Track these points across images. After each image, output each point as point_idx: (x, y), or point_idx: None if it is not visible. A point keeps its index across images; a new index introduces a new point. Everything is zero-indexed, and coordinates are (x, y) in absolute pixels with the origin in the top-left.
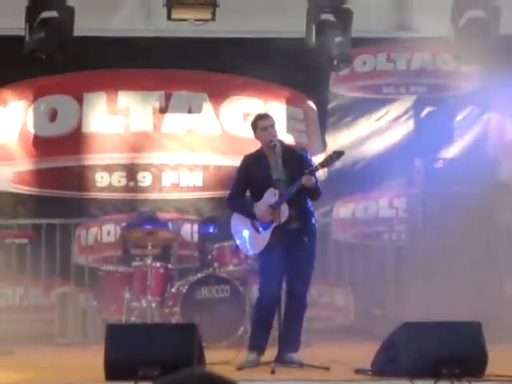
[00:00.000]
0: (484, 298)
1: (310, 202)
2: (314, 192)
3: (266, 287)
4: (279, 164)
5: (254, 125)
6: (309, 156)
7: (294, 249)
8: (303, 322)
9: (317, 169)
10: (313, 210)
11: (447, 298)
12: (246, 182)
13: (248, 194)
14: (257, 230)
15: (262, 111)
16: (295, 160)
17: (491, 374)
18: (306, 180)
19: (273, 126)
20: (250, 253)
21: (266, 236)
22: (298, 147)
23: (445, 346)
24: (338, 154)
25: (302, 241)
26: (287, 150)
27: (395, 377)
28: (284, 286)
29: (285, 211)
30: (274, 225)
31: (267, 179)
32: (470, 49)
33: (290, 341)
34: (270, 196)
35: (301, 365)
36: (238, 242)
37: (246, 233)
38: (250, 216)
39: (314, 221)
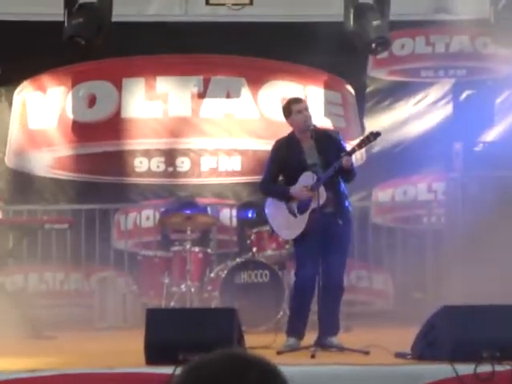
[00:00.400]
0: None
1: (343, 185)
2: (349, 174)
3: (302, 272)
4: (313, 147)
5: (288, 109)
6: (341, 138)
7: (330, 232)
8: (341, 306)
9: (354, 150)
10: (347, 193)
11: (487, 281)
12: (279, 167)
13: (281, 179)
14: (293, 214)
15: (300, 95)
16: (329, 143)
17: None
18: (345, 161)
19: (307, 109)
20: (288, 238)
21: (303, 220)
22: (330, 130)
23: (485, 329)
24: (375, 135)
25: (337, 224)
26: (320, 133)
27: (435, 360)
28: (320, 269)
29: (323, 194)
30: (311, 208)
31: (302, 164)
32: (509, 31)
33: (329, 325)
34: (307, 179)
35: (341, 349)
36: (274, 227)
37: (282, 218)
38: (286, 198)
39: (347, 204)
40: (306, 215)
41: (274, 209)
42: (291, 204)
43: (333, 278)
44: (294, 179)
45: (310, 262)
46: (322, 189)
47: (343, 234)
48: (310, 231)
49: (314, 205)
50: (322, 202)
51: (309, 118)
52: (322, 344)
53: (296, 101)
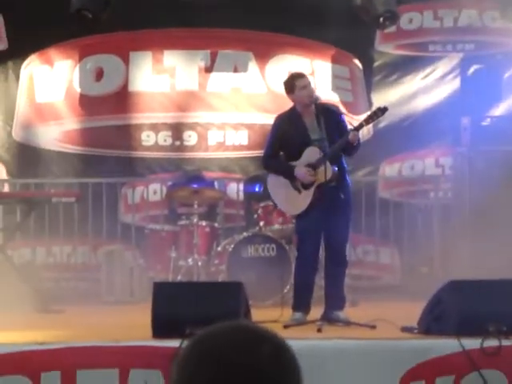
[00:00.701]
0: None
1: (344, 159)
2: (353, 148)
3: (303, 246)
4: (315, 123)
5: (291, 84)
6: (341, 112)
7: (332, 206)
8: (348, 280)
9: (362, 125)
10: (347, 167)
11: (494, 256)
12: (281, 143)
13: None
14: (298, 190)
15: (308, 70)
16: (330, 118)
17: None
18: (351, 136)
19: (310, 83)
20: (292, 213)
21: (308, 195)
22: (330, 104)
23: (491, 303)
24: (383, 110)
25: (339, 198)
26: (322, 108)
27: (441, 335)
28: (324, 244)
29: (328, 170)
30: (316, 184)
31: (305, 139)
32: None
33: (334, 299)
34: (313, 154)
35: (347, 323)
36: (278, 203)
37: (286, 193)
38: (290, 177)
39: (347, 178)
40: (311, 191)
41: (277, 184)
42: (295, 180)
43: (336, 251)
44: (298, 154)
45: (312, 236)
46: (328, 165)
47: (346, 208)
48: (313, 207)
49: (319, 180)
50: (328, 177)
51: (313, 92)
52: (328, 318)
53: (299, 75)
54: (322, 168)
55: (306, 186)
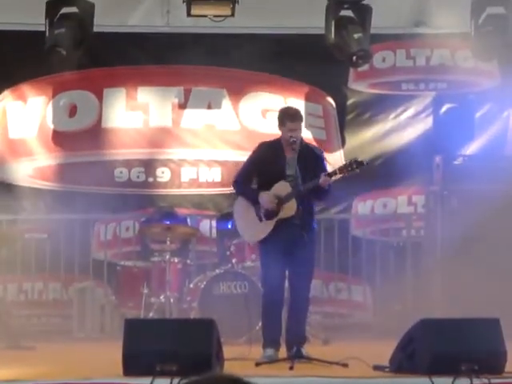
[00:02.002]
0: (503, 294)
1: (314, 204)
2: (323, 193)
3: (269, 280)
4: (295, 160)
5: (282, 120)
6: (324, 158)
7: (295, 245)
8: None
9: (335, 173)
10: (315, 212)
11: (466, 294)
12: (257, 169)
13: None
14: (260, 219)
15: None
16: (311, 160)
17: (511, 370)
18: (323, 181)
19: (299, 129)
20: (249, 240)
21: (268, 226)
22: (315, 147)
23: (463, 342)
24: (358, 164)
25: (303, 238)
26: (305, 147)
27: (413, 374)
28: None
29: (293, 207)
30: (278, 217)
31: (280, 172)
32: (490, 45)
33: (297, 336)
34: (282, 188)
35: (314, 360)
36: (238, 226)
37: (248, 219)
38: (255, 202)
39: (315, 223)
40: (272, 223)
41: (241, 208)
42: (259, 208)
43: (297, 290)
44: (269, 185)
45: (276, 272)
46: (293, 201)
47: (308, 249)
48: (275, 240)
49: (281, 215)
50: (289, 215)
51: (297, 138)
52: (291, 354)
53: (292, 118)
54: (287, 204)
55: (268, 217)
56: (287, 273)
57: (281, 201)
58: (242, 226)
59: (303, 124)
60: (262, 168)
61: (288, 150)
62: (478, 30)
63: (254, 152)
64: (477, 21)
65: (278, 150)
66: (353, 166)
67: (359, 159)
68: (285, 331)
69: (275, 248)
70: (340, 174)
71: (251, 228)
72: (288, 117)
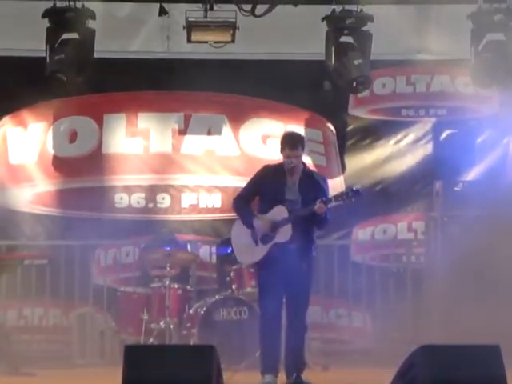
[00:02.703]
0: (503, 321)
1: (314, 231)
2: (321, 221)
3: (265, 305)
4: (296, 185)
5: (282, 147)
6: (326, 186)
7: (292, 271)
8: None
9: (331, 201)
10: (315, 240)
11: (466, 321)
12: (258, 191)
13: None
14: (255, 242)
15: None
16: (312, 186)
17: None
18: (318, 208)
19: (298, 156)
20: (242, 262)
21: (263, 250)
22: (319, 174)
23: (463, 369)
24: (355, 193)
25: (300, 264)
26: (308, 174)
27: None
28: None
29: (288, 232)
30: (273, 242)
31: (279, 196)
32: (490, 72)
33: (295, 363)
34: (279, 213)
35: None
36: (234, 247)
37: (244, 241)
38: (249, 226)
39: (313, 250)
40: (267, 247)
41: (239, 230)
42: (255, 231)
43: (296, 316)
44: (269, 208)
45: (273, 297)
46: (288, 226)
47: (305, 275)
48: (272, 264)
49: (277, 239)
50: (284, 239)
51: (295, 165)
52: (294, 381)
53: (291, 145)
54: (283, 229)
55: (264, 241)
56: (285, 299)
57: (276, 225)
58: (237, 247)
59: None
60: (263, 190)
61: (290, 173)
62: (478, 56)
63: (257, 173)
64: (477, 47)
65: (279, 174)
66: (348, 195)
67: (355, 188)
68: (284, 358)
69: (272, 273)
70: (335, 201)
71: (246, 251)
72: (287, 143)
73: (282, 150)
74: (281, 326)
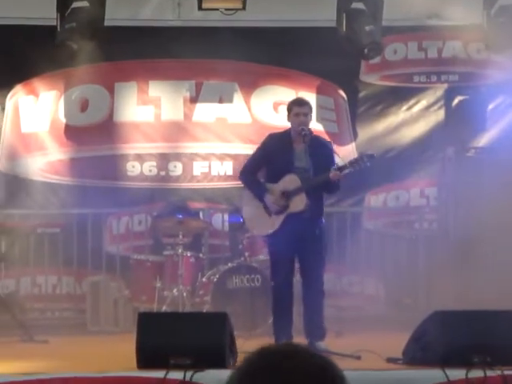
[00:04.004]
0: None
1: (323, 197)
2: (333, 187)
3: (277, 277)
4: (304, 152)
5: (289, 108)
6: (333, 149)
7: (305, 239)
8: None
9: (346, 167)
10: (324, 206)
11: (478, 287)
12: (265, 161)
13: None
14: (268, 213)
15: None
16: (321, 151)
17: None
18: (333, 175)
19: (306, 114)
20: (257, 233)
21: (277, 221)
22: (324, 138)
23: (476, 334)
24: (369, 157)
25: (314, 232)
26: (315, 139)
27: (426, 365)
28: (298, 276)
29: (302, 201)
30: (287, 212)
31: (288, 164)
32: (502, 37)
33: (314, 330)
34: (290, 181)
35: (328, 353)
36: (246, 219)
37: (256, 212)
38: (261, 199)
39: (323, 217)
40: (281, 217)
41: (250, 200)
42: (268, 203)
43: (312, 283)
44: (277, 177)
45: (285, 267)
46: (302, 195)
47: (319, 242)
48: (284, 235)
49: (291, 209)
50: (299, 209)
51: (304, 123)
52: (312, 348)
53: (297, 103)
54: (296, 198)
55: (278, 212)
56: (299, 267)
57: (289, 195)
58: (250, 218)
59: (314, 117)
60: (270, 159)
61: (297, 141)
62: (491, 21)
63: (262, 143)
64: (489, 12)
65: (286, 142)
66: (364, 160)
67: (369, 153)
68: (303, 325)
69: (284, 243)
70: (350, 168)
71: (259, 222)
72: (293, 103)
73: (290, 112)
74: (292, 294)
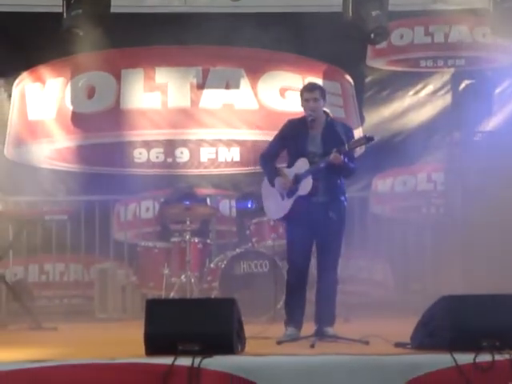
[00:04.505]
0: None
1: (341, 179)
2: (343, 170)
3: (294, 258)
4: (319, 136)
5: (301, 93)
6: (351, 134)
7: (321, 223)
8: (341, 296)
9: (345, 149)
10: (344, 187)
11: (485, 271)
12: (283, 146)
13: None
14: (281, 197)
15: (302, 84)
16: (334, 137)
17: None
18: (333, 157)
19: (316, 99)
20: (271, 217)
21: (287, 204)
22: (343, 124)
23: (484, 318)
24: (368, 139)
25: (328, 216)
26: (331, 123)
27: (435, 350)
28: (313, 261)
29: (307, 184)
30: (296, 195)
31: (302, 148)
32: (508, 21)
33: (325, 315)
34: (301, 165)
35: (336, 338)
36: (264, 203)
37: (273, 196)
38: (271, 183)
39: (343, 198)
40: (291, 200)
41: (268, 187)
42: (280, 186)
43: (325, 269)
44: (293, 161)
45: (301, 252)
46: (308, 179)
47: (335, 227)
48: (299, 218)
49: (300, 192)
50: (305, 192)
51: (313, 108)
52: (320, 334)
53: (307, 88)
54: (304, 181)
55: (289, 195)
56: (316, 252)
57: (298, 178)
58: (266, 203)
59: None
60: (287, 145)
61: (313, 125)
62: (497, 5)
63: (281, 128)
64: None
65: (302, 127)
66: (362, 141)
67: (368, 135)
68: (315, 309)
69: (298, 226)
70: (349, 149)
71: (274, 206)
72: (304, 88)
73: (301, 98)
74: (306, 281)
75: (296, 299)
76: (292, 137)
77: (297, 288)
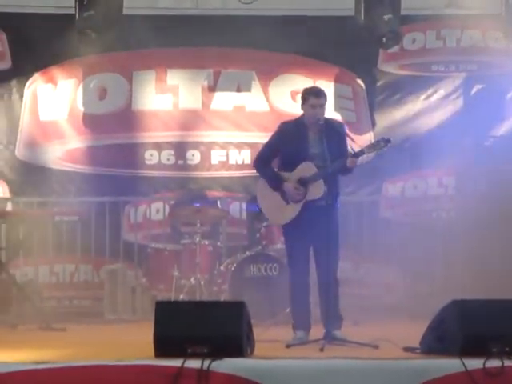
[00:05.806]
0: None
1: (338, 182)
2: (348, 172)
3: (295, 262)
4: (318, 138)
5: (305, 98)
6: (345, 132)
7: (323, 226)
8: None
9: (362, 153)
10: (339, 190)
11: (496, 276)
12: (279, 149)
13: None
14: (286, 201)
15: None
16: (335, 136)
17: None
18: (349, 162)
19: (322, 106)
20: (275, 222)
21: (295, 209)
22: (336, 121)
23: (494, 323)
24: (386, 141)
25: (329, 219)
26: (328, 124)
27: (444, 355)
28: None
29: (320, 188)
30: (305, 200)
31: (303, 151)
32: None
33: (330, 318)
34: (306, 169)
35: (345, 342)
36: (263, 208)
37: (273, 200)
38: (277, 188)
39: (338, 200)
40: (299, 205)
41: (265, 190)
42: (285, 191)
43: (326, 271)
44: (292, 165)
45: (301, 256)
46: (320, 182)
47: (334, 229)
48: (301, 222)
49: (309, 197)
50: (317, 196)
51: (320, 115)
52: (327, 337)
53: (314, 94)
54: (313, 185)
55: (296, 200)
56: (314, 256)
57: (305, 182)
58: (267, 207)
59: (332, 106)
60: (284, 147)
61: (312, 127)
62: (509, 10)
63: (276, 130)
64: (508, 1)
65: (300, 128)
66: (380, 145)
67: (386, 137)
68: (320, 313)
69: (301, 231)
70: (367, 153)
71: (277, 210)
72: (309, 93)
73: (305, 102)
74: (309, 284)
75: (301, 304)
76: (290, 139)
77: (300, 294)
